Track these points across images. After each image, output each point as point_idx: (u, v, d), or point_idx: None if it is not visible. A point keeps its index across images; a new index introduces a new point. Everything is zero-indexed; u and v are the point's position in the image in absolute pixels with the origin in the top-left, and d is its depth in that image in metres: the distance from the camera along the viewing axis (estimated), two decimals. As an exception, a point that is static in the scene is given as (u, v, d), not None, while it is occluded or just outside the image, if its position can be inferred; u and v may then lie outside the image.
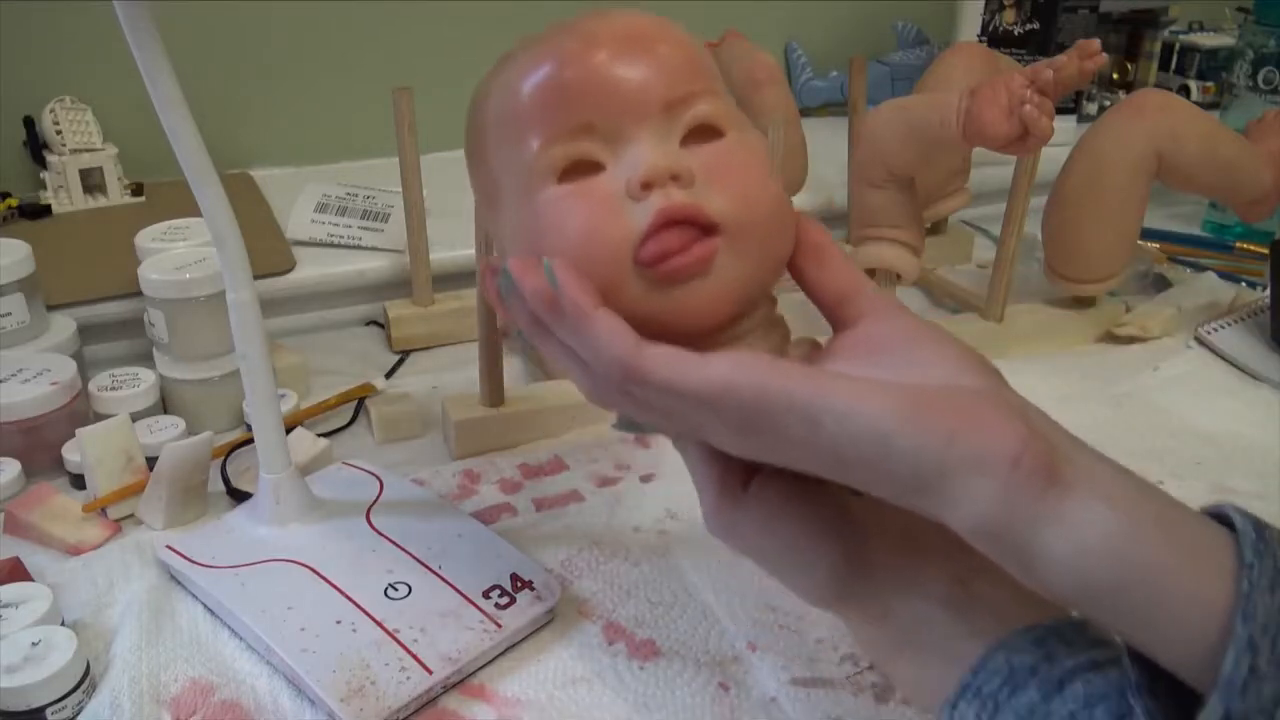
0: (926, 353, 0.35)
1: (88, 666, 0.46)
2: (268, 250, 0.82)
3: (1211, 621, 0.28)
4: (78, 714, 0.45)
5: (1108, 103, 1.22)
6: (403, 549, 0.53)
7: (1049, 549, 0.30)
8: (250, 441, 0.61)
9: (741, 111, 0.41)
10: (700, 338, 0.38)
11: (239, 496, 0.60)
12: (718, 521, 0.39)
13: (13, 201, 0.89)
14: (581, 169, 0.38)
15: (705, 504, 0.39)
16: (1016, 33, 1.16)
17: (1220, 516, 0.32)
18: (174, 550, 0.53)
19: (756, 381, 0.32)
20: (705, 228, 0.37)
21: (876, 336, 0.37)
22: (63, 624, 0.49)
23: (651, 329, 0.36)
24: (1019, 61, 0.93)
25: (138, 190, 0.94)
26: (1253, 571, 0.29)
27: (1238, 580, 0.29)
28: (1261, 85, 0.95)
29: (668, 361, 0.34)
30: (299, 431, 0.64)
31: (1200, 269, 0.90)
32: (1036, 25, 1.15)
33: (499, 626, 0.49)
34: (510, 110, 0.40)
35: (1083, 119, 1.16)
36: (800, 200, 0.92)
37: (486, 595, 0.50)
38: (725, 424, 0.34)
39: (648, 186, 0.37)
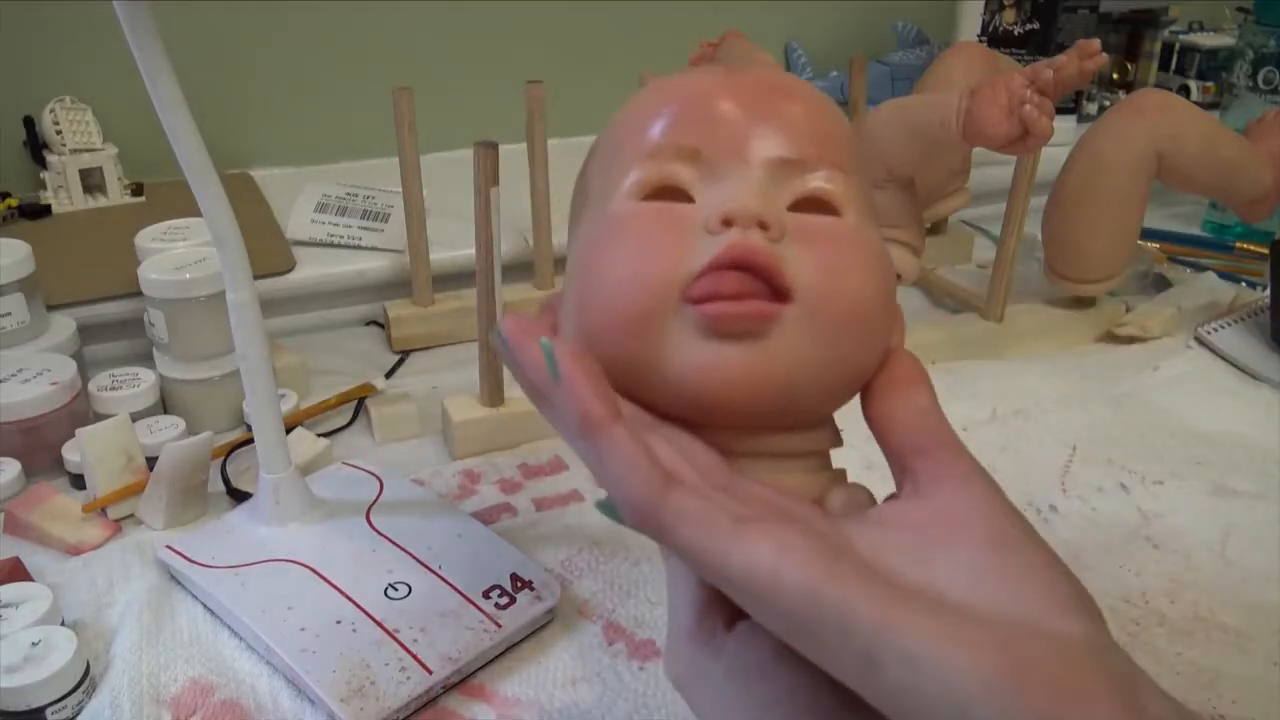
0: (1020, 568, 0.28)
1: (88, 666, 0.46)
2: (268, 250, 0.82)
3: None
4: (78, 714, 0.45)
5: (1108, 103, 1.22)
6: (403, 549, 0.53)
7: None
8: (250, 441, 0.61)
9: (871, 203, 0.35)
10: (729, 428, 0.32)
11: (239, 496, 0.60)
12: (683, 658, 0.32)
13: (13, 201, 0.89)
14: (670, 194, 0.33)
15: (674, 630, 0.32)
16: (1016, 33, 1.16)
17: None
18: (174, 550, 0.53)
19: (810, 584, 0.25)
20: (776, 290, 0.30)
21: (963, 521, 0.29)
22: (63, 624, 0.49)
23: (674, 389, 0.31)
24: (1019, 61, 0.93)
25: (138, 190, 0.94)
26: None
27: None
28: (1261, 85, 0.95)
29: (698, 521, 0.27)
30: (299, 431, 0.64)
31: (1200, 269, 0.90)
32: (1036, 25, 1.16)
33: (499, 626, 0.49)
34: (623, 122, 0.36)
35: (1083, 119, 1.16)
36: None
37: (486, 595, 0.50)
38: (752, 611, 0.27)
39: (728, 223, 0.31)
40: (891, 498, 0.32)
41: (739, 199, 0.31)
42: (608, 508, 0.30)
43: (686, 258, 0.31)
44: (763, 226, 0.31)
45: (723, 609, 0.31)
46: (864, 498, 0.32)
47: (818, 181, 0.33)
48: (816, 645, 0.26)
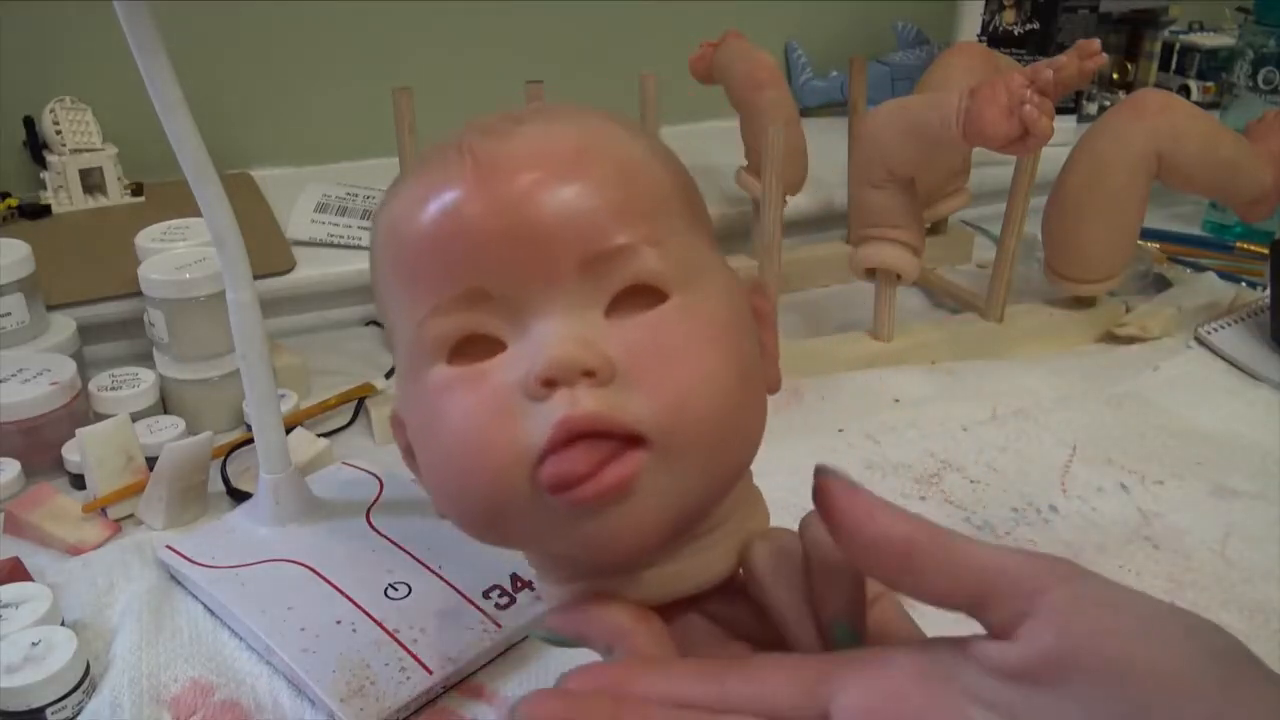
0: (1157, 695, 0.22)
1: (88, 667, 0.46)
2: (268, 250, 0.82)
3: None
4: (78, 714, 0.45)
5: (1108, 103, 1.22)
6: (403, 549, 0.53)
7: None
8: (250, 441, 0.61)
9: (709, 254, 0.32)
10: (631, 567, 0.30)
11: (239, 496, 0.60)
12: None
13: (13, 201, 0.89)
14: (476, 345, 0.29)
15: None
16: (1016, 33, 1.16)
17: None
18: (174, 550, 0.53)
19: None
20: (626, 439, 0.27)
21: (1072, 656, 0.23)
22: (63, 624, 0.49)
23: (565, 560, 0.30)
24: (1019, 61, 0.93)
25: (138, 190, 0.94)
26: None
27: None
28: (1261, 85, 0.95)
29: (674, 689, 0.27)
30: (299, 431, 0.64)
31: (1200, 269, 0.90)
32: (1036, 25, 1.15)
33: (499, 626, 0.49)
34: (397, 256, 0.31)
35: (1083, 119, 1.16)
36: (800, 200, 0.92)
37: (486, 595, 0.50)
38: None
39: (550, 384, 0.27)
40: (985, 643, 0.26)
41: (549, 354, 0.27)
42: (548, 635, 0.31)
43: (515, 434, 0.28)
44: (588, 375, 0.27)
45: None
46: (789, 543, 0.31)
47: (634, 268, 0.29)
48: None
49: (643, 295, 0.29)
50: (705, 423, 0.28)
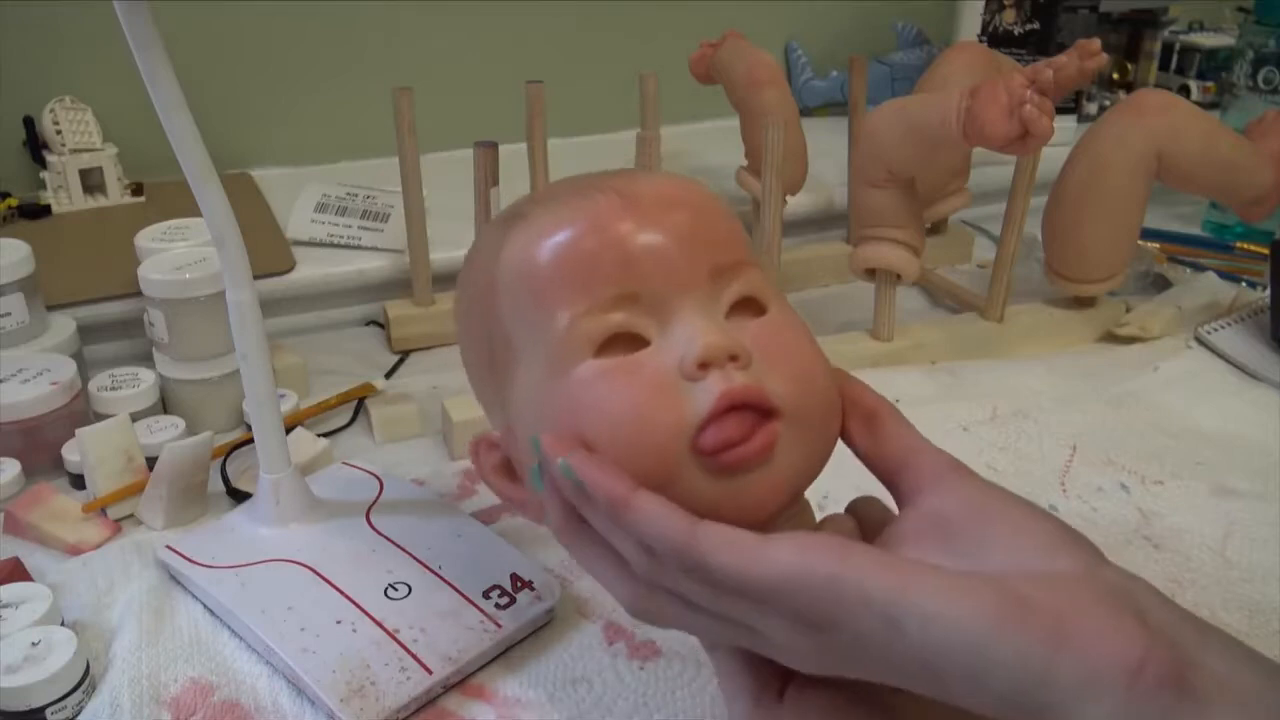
0: (1004, 531, 0.31)
1: (88, 666, 0.46)
2: (268, 250, 0.82)
3: None
4: (78, 714, 0.45)
5: (1108, 103, 1.22)
6: (403, 549, 0.53)
7: None
8: (250, 441, 0.61)
9: (769, 279, 0.38)
10: (751, 528, 0.33)
11: (239, 496, 0.60)
12: None
13: (13, 201, 0.89)
14: (622, 343, 0.35)
15: (736, 716, 0.34)
16: (1016, 33, 1.16)
17: None
18: (174, 550, 0.53)
19: (830, 571, 0.29)
20: (767, 411, 0.34)
21: (944, 514, 0.33)
22: (63, 624, 0.49)
23: (704, 516, 0.33)
24: (1019, 61, 0.93)
25: (138, 190, 0.94)
26: None
27: None
28: (1261, 85, 0.95)
29: (728, 542, 0.30)
30: (299, 431, 0.64)
31: (1200, 269, 0.90)
32: (1036, 25, 1.16)
33: (499, 626, 0.49)
34: (537, 272, 0.36)
35: (1083, 119, 1.16)
36: (800, 200, 0.92)
37: (486, 595, 0.50)
38: (787, 620, 0.30)
39: (705, 366, 0.34)
40: (895, 519, 0.35)
41: (705, 340, 0.34)
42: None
43: (678, 409, 0.33)
44: (734, 359, 0.34)
45: (773, 681, 0.34)
46: (848, 525, 0.36)
47: (744, 285, 0.36)
48: (843, 626, 0.29)
49: (747, 307, 0.36)
50: (823, 401, 0.36)
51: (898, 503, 0.36)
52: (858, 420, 0.37)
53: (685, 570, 0.31)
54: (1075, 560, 0.30)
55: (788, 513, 0.36)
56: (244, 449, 0.63)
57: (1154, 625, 0.27)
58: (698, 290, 0.35)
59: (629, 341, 0.35)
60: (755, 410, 0.34)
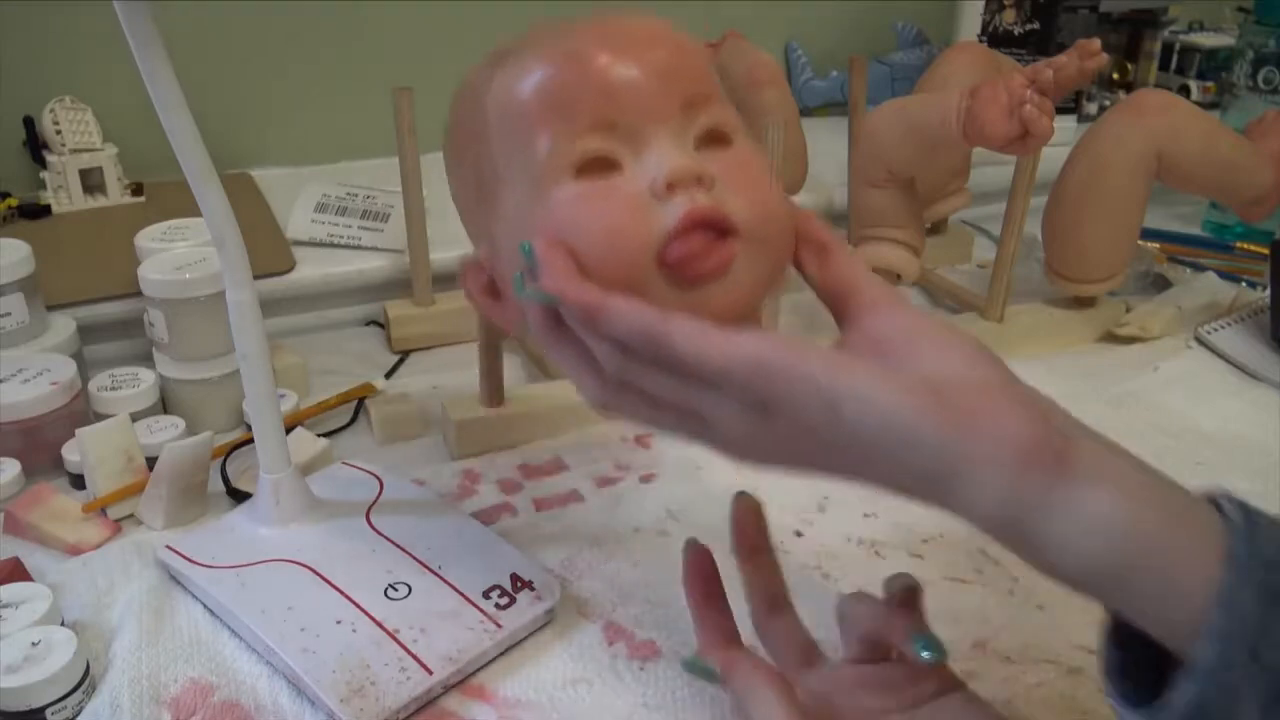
0: (932, 348, 0.36)
1: (88, 667, 0.46)
2: (268, 250, 0.82)
3: (1196, 607, 0.30)
4: (78, 714, 0.45)
5: (1108, 103, 1.22)
6: (403, 549, 0.53)
7: (1057, 535, 0.31)
8: (250, 441, 0.61)
9: (735, 115, 0.42)
10: None
11: (239, 496, 0.60)
12: None
13: (13, 201, 0.89)
14: (599, 166, 0.38)
15: None
16: (1016, 33, 1.16)
17: (1213, 502, 0.33)
18: (174, 550, 0.53)
19: (783, 359, 0.33)
20: (726, 230, 0.38)
21: (880, 334, 0.37)
22: (63, 624, 0.49)
23: None
24: (1019, 61, 0.93)
25: (138, 190, 0.94)
26: (1238, 564, 0.30)
27: (1225, 570, 0.30)
28: (1261, 85, 0.95)
29: (699, 329, 0.34)
30: (299, 431, 0.64)
31: (1200, 269, 0.90)
32: (1036, 25, 1.16)
33: (499, 627, 0.49)
34: (521, 104, 0.39)
35: (1083, 119, 1.16)
36: (800, 200, 0.92)
37: (486, 595, 0.50)
38: (740, 406, 0.34)
39: (673, 188, 0.37)
40: (837, 339, 0.40)
41: (674, 164, 0.38)
42: (697, 666, 0.40)
43: (647, 225, 0.37)
44: (699, 182, 0.38)
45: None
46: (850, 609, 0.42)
47: (711, 118, 0.40)
48: (792, 409, 0.33)
49: (715, 139, 0.40)
50: (778, 226, 0.39)
51: (840, 326, 0.40)
52: (810, 250, 0.41)
53: (655, 359, 0.35)
54: (991, 371, 0.35)
55: (745, 325, 0.38)
56: (244, 449, 0.63)
57: (1050, 421, 0.32)
58: (670, 121, 0.39)
59: (605, 165, 0.38)
60: (716, 229, 0.38)
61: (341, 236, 0.85)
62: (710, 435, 0.36)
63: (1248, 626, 0.29)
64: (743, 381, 0.33)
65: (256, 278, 0.50)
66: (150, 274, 0.65)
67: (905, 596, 0.40)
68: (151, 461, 0.59)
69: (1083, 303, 0.80)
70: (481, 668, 0.48)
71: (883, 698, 0.40)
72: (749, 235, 0.38)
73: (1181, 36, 1.27)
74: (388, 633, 0.48)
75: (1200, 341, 0.78)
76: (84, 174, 0.92)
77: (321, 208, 0.86)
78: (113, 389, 0.65)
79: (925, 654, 0.38)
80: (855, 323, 0.39)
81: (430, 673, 0.46)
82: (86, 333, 0.72)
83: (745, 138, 0.41)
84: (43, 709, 0.44)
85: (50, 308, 0.71)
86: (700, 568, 0.44)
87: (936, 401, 0.32)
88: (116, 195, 0.93)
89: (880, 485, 0.34)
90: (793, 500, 0.56)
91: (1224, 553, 0.30)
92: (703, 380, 0.34)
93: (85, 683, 0.46)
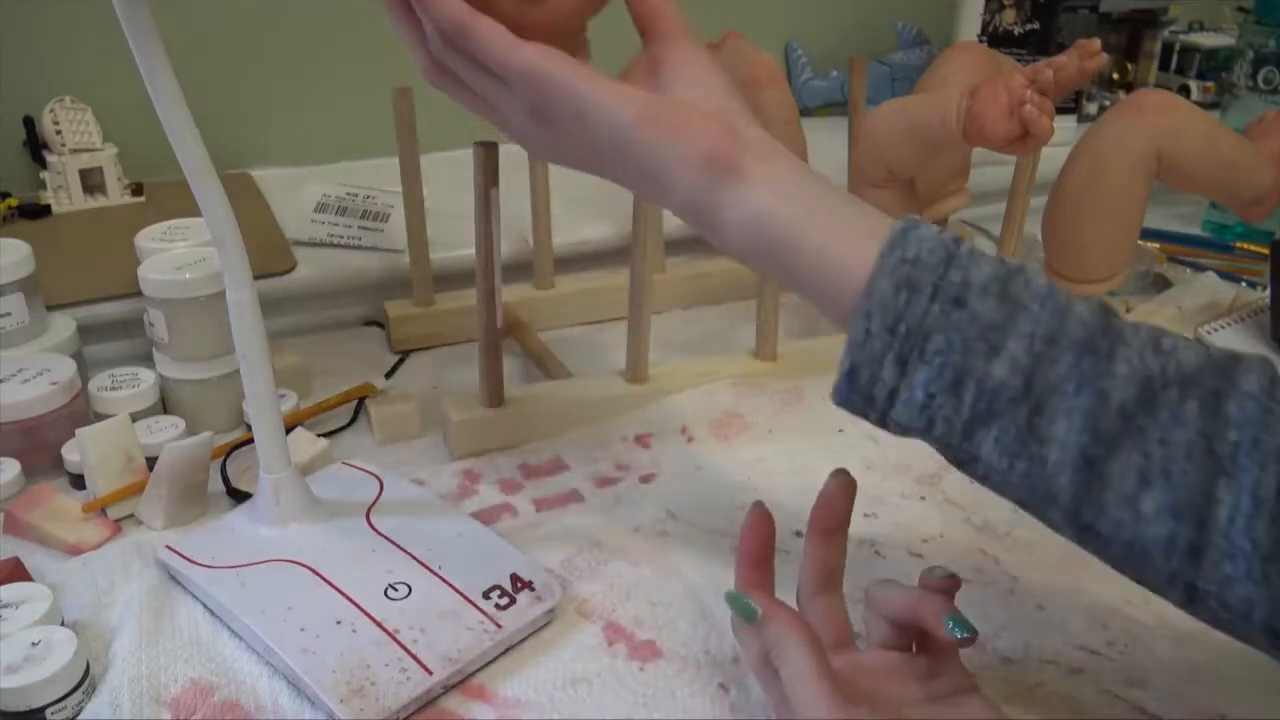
0: (689, 75, 0.44)
1: (88, 667, 0.46)
2: (268, 250, 0.82)
3: (848, 290, 0.39)
4: (78, 714, 0.45)
5: (1108, 103, 1.22)
6: (403, 549, 0.53)
7: (728, 222, 0.41)
8: (250, 441, 0.61)
9: None
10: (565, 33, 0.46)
11: (239, 496, 0.60)
12: None
13: (13, 201, 0.89)
14: None
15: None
16: (1016, 33, 1.16)
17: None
18: (174, 550, 0.53)
19: (549, 68, 0.41)
20: None
21: (661, 59, 0.45)
22: (63, 624, 0.49)
23: (520, 32, 0.43)
24: (1019, 61, 0.93)
25: (138, 190, 0.94)
26: (883, 260, 0.39)
27: (873, 265, 0.39)
28: (1261, 85, 0.95)
29: (495, 31, 0.41)
30: (299, 431, 0.64)
31: (1200, 269, 0.90)
32: (1036, 25, 1.16)
33: (499, 627, 0.49)
34: None
35: (1083, 119, 1.16)
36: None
37: (486, 595, 0.50)
38: (522, 106, 0.43)
39: None
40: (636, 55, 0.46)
41: None
42: (740, 602, 0.42)
43: None
44: None
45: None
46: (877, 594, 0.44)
47: None
48: (553, 114, 0.42)
49: None
50: None
51: (643, 48, 0.46)
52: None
53: (461, 49, 0.42)
54: (720, 100, 0.43)
55: (571, 43, 0.46)
56: (244, 449, 0.63)
57: (738, 136, 0.41)
58: None
59: None
60: None
61: (341, 236, 0.85)
62: (505, 128, 0.45)
63: (885, 309, 0.38)
64: (522, 84, 0.41)
65: (256, 278, 0.50)
66: (150, 274, 0.65)
67: (944, 584, 0.43)
68: (151, 461, 0.59)
69: (1083, 303, 0.80)
70: (481, 668, 0.48)
71: (904, 687, 0.42)
72: None
73: (1181, 36, 1.27)
74: (388, 633, 0.48)
75: (1200, 342, 0.78)
76: (84, 174, 0.92)
77: (321, 208, 0.86)
78: (113, 389, 0.65)
79: (957, 632, 0.40)
80: (649, 47, 0.46)
81: (430, 673, 0.46)
82: (86, 333, 0.72)
83: None
84: (43, 709, 0.44)
85: (50, 308, 0.71)
86: (760, 529, 0.45)
87: (654, 115, 0.41)
88: (116, 195, 0.93)
89: (620, 181, 0.44)
90: (793, 500, 0.56)
91: (877, 254, 0.39)
92: (497, 77, 0.42)
93: (85, 683, 0.46)
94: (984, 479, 0.39)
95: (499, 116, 0.45)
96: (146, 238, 0.71)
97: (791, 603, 0.45)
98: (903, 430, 0.39)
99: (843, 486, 0.46)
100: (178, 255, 0.68)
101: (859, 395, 0.40)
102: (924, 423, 0.38)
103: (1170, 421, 0.36)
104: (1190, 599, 0.37)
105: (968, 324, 0.37)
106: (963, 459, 0.39)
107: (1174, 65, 1.27)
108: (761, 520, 0.46)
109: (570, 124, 0.42)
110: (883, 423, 0.40)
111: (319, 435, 0.65)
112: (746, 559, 0.45)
